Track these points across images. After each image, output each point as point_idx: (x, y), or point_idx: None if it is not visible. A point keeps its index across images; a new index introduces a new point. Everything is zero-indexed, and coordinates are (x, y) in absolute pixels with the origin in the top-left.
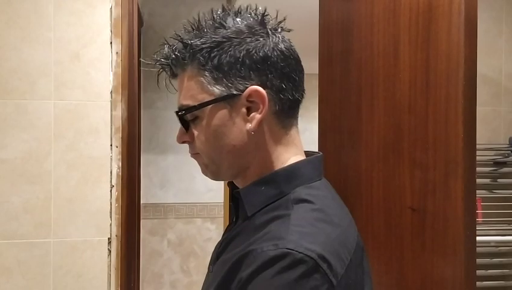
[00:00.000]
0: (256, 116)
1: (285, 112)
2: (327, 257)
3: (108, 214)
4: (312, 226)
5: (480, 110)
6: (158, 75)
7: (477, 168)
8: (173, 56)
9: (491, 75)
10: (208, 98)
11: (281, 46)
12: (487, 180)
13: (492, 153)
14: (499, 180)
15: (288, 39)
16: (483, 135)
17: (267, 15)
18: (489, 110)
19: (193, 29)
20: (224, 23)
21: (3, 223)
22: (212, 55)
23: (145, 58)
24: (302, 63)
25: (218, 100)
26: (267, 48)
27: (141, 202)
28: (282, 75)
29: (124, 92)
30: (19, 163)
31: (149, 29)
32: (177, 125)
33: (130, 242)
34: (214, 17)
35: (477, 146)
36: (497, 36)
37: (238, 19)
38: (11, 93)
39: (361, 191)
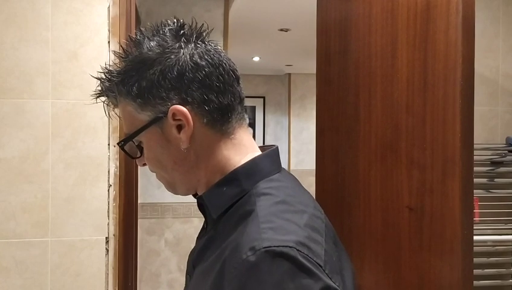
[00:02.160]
0: (184, 134)
1: (219, 120)
2: (304, 241)
3: (106, 213)
4: (280, 219)
5: (478, 110)
6: (106, 105)
7: (474, 168)
8: (107, 93)
9: (488, 75)
10: (140, 125)
11: (196, 56)
12: (484, 180)
13: (490, 152)
14: (496, 179)
15: (209, 42)
16: (480, 135)
17: (182, 26)
18: (486, 110)
19: (121, 58)
20: (141, 47)
21: (1, 222)
22: (131, 83)
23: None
24: (300, 63)
25: (147, 126)
26: (180, 62)
27: (138, 202)
28: (201, 86)
29: None
30: (17, 162)
31: None
32: None
33: (128, 241)
34: (131, 43)
35: (475, 146)
36: (494, 36)
37: (152, 41)
38: (8, 92)
39: (359, 190)
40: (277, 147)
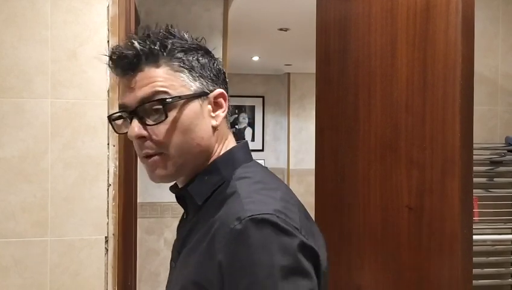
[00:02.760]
0: (221, 114)
1: (229, 115)
2: (281, 209)
3: (106, 212)
4: (259, 195)
5: (477, 110)
6: (111, 68)
7: (473, 168)
8: (146, 50)
9: (488, 74)
10: (187, 92)
11: (222, 67)
12: (483, 180)
13: (489, 152)
14: (495, 179)
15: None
16: (480, 135)
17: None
18: (485, 109)
19: (156, 34)
20: (184, 37)
21: (0, 222)
22: (190, 57)
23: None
24: (300, 63)
25: (196, 95)
26: (219, 64)
27: (138, 201)
28: (226, 88)
29: None
30: (16, 162)
31: (146, 28)
32: None
33: (127, 241)
34: (174, 30)
35: (474, 145)
36: (493, 36)
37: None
38: (7, 91)
39: (358, 190)
40: (246, 141)
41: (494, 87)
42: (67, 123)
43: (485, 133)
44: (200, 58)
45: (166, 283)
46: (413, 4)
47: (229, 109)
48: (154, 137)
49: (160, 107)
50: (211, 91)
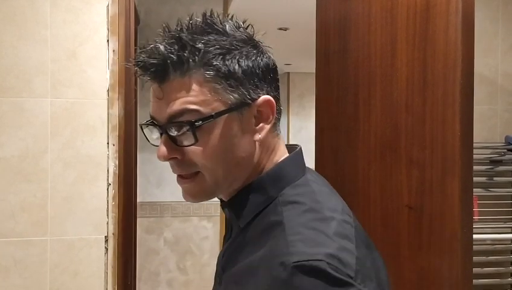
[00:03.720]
0: (266, 126)
1: (278, 121)
2: (334, 253)
3: (105, 212)
4: (308, 230)
5: (477, 109)
6: (138, 76)
7: (473, 167)
8: (173, 57)
9: (488, 74)
10: (222, 107)
11: (272, 59)
12: (483, 179)
13: (489, 151)
14: (495, 178)
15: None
16: (480, 134)
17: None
18: (485, 109)
19: (190, 30)
20: (226, 30)
21: (0, 222)
22: (227, 62)
23: (129, 60)
24: (299, 62)
25: (234, 109)
26: (267, 59)
27: (138, 201)
28: (276, 86)
29: (121, 90)
30: (16, 161)
31: (146, 27)
32: None
33: (127, 240)
34: (213, 22)
35: (474, 145)
36: (493, 36)
37: (236, 28)
38: (7, 91)
39: (358, 189)
40: (300, 148)
41: (494, 87)
42: (66, 123)
43: (485, 132)
44: (243, 60)
45: (165, 283)
46: (413, 4)
47: (278, 114)
48: (186, 158)
49: (190, 129)
50: (254, 100)
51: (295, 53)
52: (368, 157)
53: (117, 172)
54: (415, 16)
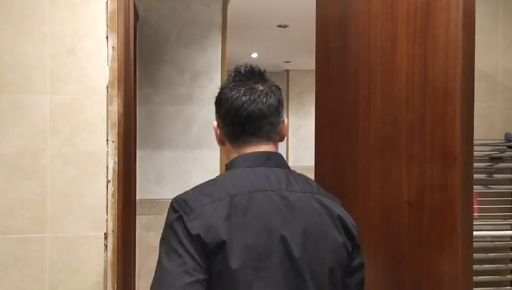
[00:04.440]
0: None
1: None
2: (185, 198)
3: (105, 209)
4: (195, 187)
5: (476, 106)
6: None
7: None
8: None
9: (488, 70)
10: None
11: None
12: (483, 176)
13: (488, 148)
14: (494, 175)
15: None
16: (479, 131)
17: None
18: (485, 105)
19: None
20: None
21: None
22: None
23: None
24: (299, 60)
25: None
26: None
27: (137, 198)
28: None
29: (120, 87)
30: (14, 158)
31: (145, 24)
32: (173, 121)
33: (127, 237)
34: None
35: (473, 141)
36: (493, 32)
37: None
38: (6, 87)
39: (358, 186)
40: (263, 152)
41: (494, 84)
42: (66, 119)
43: (485, 129)
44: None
45: None
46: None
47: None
48: None
49: None
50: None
51: (295, 50)
52: (368, 154)
53: (116, 169)
54: (416, 11)
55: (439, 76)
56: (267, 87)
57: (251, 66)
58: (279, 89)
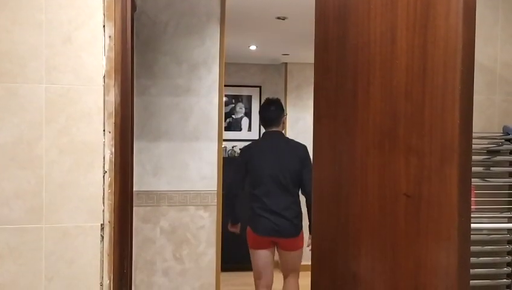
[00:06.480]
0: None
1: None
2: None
3: (101, 199)
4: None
5: (475, 99)
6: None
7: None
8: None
9: (487, 63)
10: None
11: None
12: (480, 169)
13: (486, 141)
14: (492, 168)
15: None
16: (477, 123)
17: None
18: (483, 98)
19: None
20: None
21: None
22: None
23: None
24: (297, 52)
25: None
26: None
27: (134, 190)
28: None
29: (117, 77)
30: (10, 147)
31: (142, 14)
32: (171, 113)
33: (123, 228)
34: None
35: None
36: (493, 24)
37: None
38: (1, 76)
39: (356, 177)
40: (271, 131)
41: (493, 76)
42: (62, 109)
43: (483, 122)
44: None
45: (161, 271)
46: None
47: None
48: None
49: None
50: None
51: (293, 43)
52: (366, 145)
53: (113, 159)
54: (416, 1)
55: (439, 67)
56: (275, 105)
57: (271, 99)
58: (280, 103)
